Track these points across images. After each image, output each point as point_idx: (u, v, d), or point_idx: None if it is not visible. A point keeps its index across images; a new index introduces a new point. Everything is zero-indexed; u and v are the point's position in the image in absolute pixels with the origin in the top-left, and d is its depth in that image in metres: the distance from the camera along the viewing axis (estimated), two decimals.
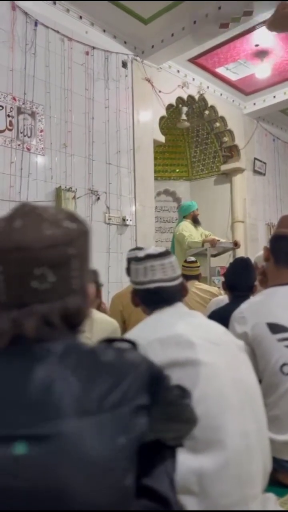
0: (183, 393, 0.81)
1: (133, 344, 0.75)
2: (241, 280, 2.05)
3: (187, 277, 3.16)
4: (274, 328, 1.30)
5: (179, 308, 1.21)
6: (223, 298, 2.50)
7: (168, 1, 3.82)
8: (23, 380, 0.59)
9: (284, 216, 1.58)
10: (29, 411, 0.57)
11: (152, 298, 1.23)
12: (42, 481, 0.55)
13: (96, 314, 1.84)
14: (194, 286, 3.12)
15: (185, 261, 3.29)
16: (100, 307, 2.20)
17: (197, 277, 3.22)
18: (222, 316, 1.58)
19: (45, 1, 3.68)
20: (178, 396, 0.76)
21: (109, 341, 0.73)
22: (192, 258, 3.32)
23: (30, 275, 0.62)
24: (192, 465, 0.97)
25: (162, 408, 0.68)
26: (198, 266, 3.26)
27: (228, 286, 2.13)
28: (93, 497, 0.56)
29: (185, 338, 1.07)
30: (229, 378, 1.05)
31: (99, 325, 1.78)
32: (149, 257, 1.22)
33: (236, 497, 1.01)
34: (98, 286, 1.93)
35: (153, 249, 1.25)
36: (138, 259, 1.25)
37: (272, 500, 1.19)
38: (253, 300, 1.50)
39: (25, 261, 0.62)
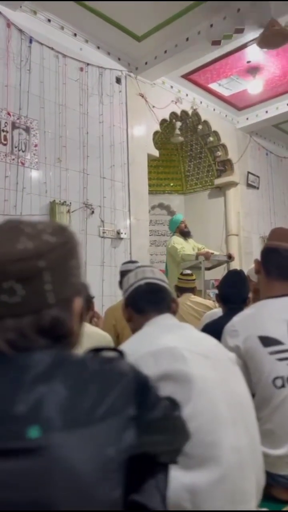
0: (173, 404, 0.80)
1: (120, 353, 0.74)
2: (234, 293, 2.05)
3: (182, 290, 3.16)
4: (266, 341, 1.30)
5: (169, 319, 1.21)
6: (217, 311, 2.50)
7: None
8: (8, 394, 0.58)
9: (275, 229, 1.59)
10: (16, 425, 0.56)
11: (142, 297, 1.25)
12: (28, 494, 0.54)
13: (86, 328, 1.83)
14: (189, 300, 3.12)
15: (181, 274, 3.30)
16: (92, 320, 2.19)
17: (192, 290, 3.21)
18: (215, 329, 1.57)
19: (40, 19, 3.74)
20: (167, 408, 0.75)
21: (97, 350, 0.72)
22: (188, 271, 3.33)
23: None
24: (184, 481, 0.95)
25: (150, 419, 0.67)
26: (194, 279, 3.26)
27: (222, 298, 2.13)
28: (80, 510, 0.55)
29: (177, 351, 1.06)
30: (221, 393, 1.04)
31: (89, 339, 1.77)
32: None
33: None
34: (89, 299, 1.92)
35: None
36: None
37: None
38: (244, 313, 1.49)
39: None
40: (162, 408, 0.72)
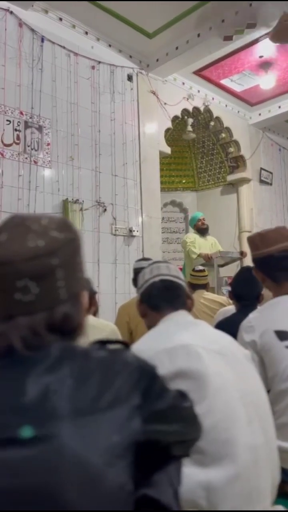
0: (181, 395, 0.80)
1: (125, 345, 0.75)
2: (247, 290, 2.04)
3: (195, 286, 3.15)
4: (282, 335, 1.31)
5: (184, 316, 1.21)
6: (231, 308, 2.48)
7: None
8: (18, 387, 0.60)
9: (253, 238, 1.57)
10: (26, 414, 0.58)
11: (157, 294, 1.24)
12: (36, 483, 0.55)
13: (91, 320, 1.85)
14: (202, 297, 3.10)
15: (193, 270, 3.28)
16: (96, 314, 2.21)
17: (205, 287, 3.20)
18: (228, 326, 1.57)
19: (51, 18, 3.76)
20: (175, 398, 0.75)
21: (103, 342, 0.73)
22: (200, 267, 3.32)
23: (13, 288, 0.62)
24: (200, 479, 0.95)
25: (155, 408, 0.68)
26: (206, 275, 3.24)
27: (235, 295, 2.12)
28: (88, 497, 0.56)
29: (192, 348, 1.06)
30: (236, 390, 1.04)
31: (94, 330, 1.78)
32: (155, 262, 1.28)
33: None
34: (92, 294, 1.95)
35: (158, 256, 1.31)
36: (146, 266, 1.29)
37: None
38: (260, 309, 1.50)
39: (7, 275, 0.62)
40: (170, 398, 0.72)
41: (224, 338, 1.16)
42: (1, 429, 0.57)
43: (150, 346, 1.09)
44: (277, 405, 1.27)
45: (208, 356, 1.05)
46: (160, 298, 1.26)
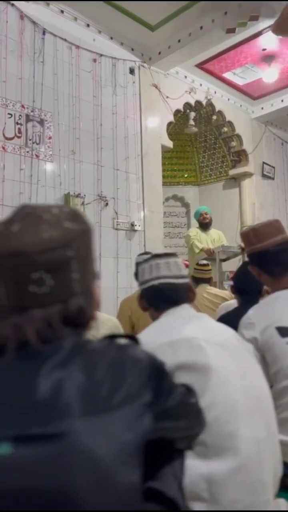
0: (188, 391, 0.80)
1: (135, 339, 0.74)
2: (249, 284, 2.03)
3: (198, 280, 3.14)
4: (284, 331, 1.29)
5: (186, 310, 1.20)
6: (232, 303, 2.48)
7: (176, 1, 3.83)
8: (30, 382, 0.59)
9: (247, 233, 1.54)
10: (38, 411, 0.57)
11: (157, 296, 1.23)
12: (49, 482, 0.54)
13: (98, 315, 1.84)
14: (205, 291, 3.10)
15: (197, 264, 3.28)
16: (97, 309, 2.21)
17: (208, 281, 3.20)
18: (230, 320, 1.56)
19: (53, 10, 3.73)
20: (183, 394, 0.75)
21: (112, 337, 0.72)
22: (204, 262, 3.31)
23: (28, 280, 0.61)
24: (202, 471, 0.95)
25: (166, 405, 0.67)
26: (210, 270, 3.24)
27: (237, 289, 2.11)
28: (101, 496, 0.55)
29: (195, 341, 1.06)
30: (239, 383, 1.04)
31: (97, 324, 1.78)
32: (155, 256, 1.24)
33: (247, 504, 0.99)
34: None
35: (160, 251, 1.27)
36: (144, 260, 1.26)
37: (283, 506, 1.17)
38: (259, 305, 1.48)
39: (22, 266, 0.61)
40: (178, 395, 0.72)
41: (227, 331, 1.16)
42: (13, 427, 0.56)
43: (152, 339, 1.08)
44: (280, 400, 1.27)
45: (210, 349, 1.05)
46: (160, 300, 1.23)
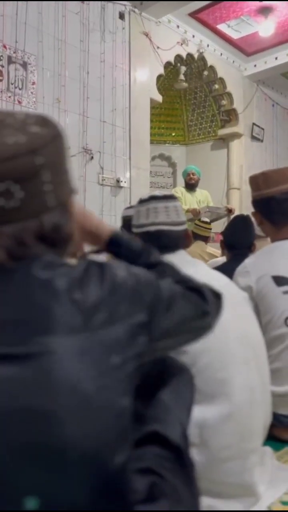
0: (183, 279, 0.74)
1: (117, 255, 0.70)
2: (240, 239, 1.99)
3: (196, 236, 3.16)
4: (279, 280, 1.27)
5: (182, 256, 1.15)
6: (220, 260, 2.45)
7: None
8: (5, 300, 0.54)
9: (256, 178, 1.49)
10: (15, 329, 0.52)
11: (152, 242, 1.15)
12: (25, 401, 0.50)
13: None
14: (200, 249, 3.09)
15: (199, 220, 3.32)
16: None
17: (206, 239, 3.21)
18: None
19: None
20: (186, 308, 0.68)
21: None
22: (207, 219, 3.32)
23: None
24: (194, 416, 0.93)
25: (164, 325, 0.63)
26: (210, 228, 3.27)
27: (227, 244, 2.07)
28: (84, 418, 0.52)
29: None
30: (234, 330, 1.01)
31: None
32: (153, 198, 1.15)
33: (235, 450, 0.98)
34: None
35: (158, 192, 1.18)
36: (141, 201, 1.18)
37: (268, 454, 1.18)
38: (257, 254, 1.46)
39: None
40: (179, 309, 0.66)
41: (223, 278, 1.11)
42: None
43: None
44: (271, 350, 1.26)
45: None
46: (154, 246, 1.17)
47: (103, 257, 0.79)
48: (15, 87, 3.28)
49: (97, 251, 0.78)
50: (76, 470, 0.51)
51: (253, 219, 2.06)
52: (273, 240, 1.45)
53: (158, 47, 4.52)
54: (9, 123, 0.57)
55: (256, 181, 1.47)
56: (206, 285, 0.74)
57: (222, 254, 2.36)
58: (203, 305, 0.71)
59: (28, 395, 0.50)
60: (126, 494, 0.56)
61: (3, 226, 0.55)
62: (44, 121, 0.61)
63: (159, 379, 0.78)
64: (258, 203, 1.46)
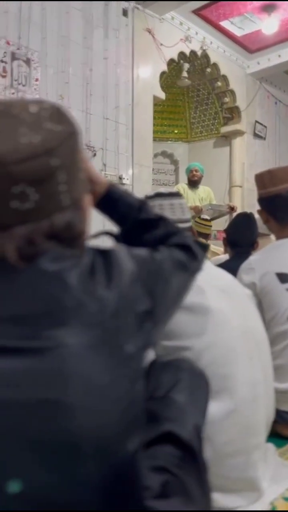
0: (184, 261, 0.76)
1: (115, 237, 0.70)
2: (243, 236, 2.00)
3: (197, 234, 3.17)
4: (283, 278, 1.27)
5: None
6: (222, 257, 2.45)
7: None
8: (15, 295, 0.54)
9: (262, 176, 1.50)
10: (27, 323, 0.53)
11: None
12: (41, 395, 0.51)
13: None
14: None
15: (199, 217, 3.32)
16: None
17: (206, 236, 3.23)
18: None
19: None
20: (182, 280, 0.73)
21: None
22: (207, 217, 3.34)
23: (8, 195, 0.53)
24: None
25: (167, 307, 0.65)
26: (210, 226, 3.29)
27: (230, 242, 2.08)
28: (99, 409, 0.52)
29: (194, 283, 1.01)
30: (238, 327, 1.02)
31: None
32: (158, 195, 1.16)
33: (239, 445, 0.99)
34: None
35: (163, 189, 1.18)
36: (147, 197, 1.18)
37: (271, 450, 1.19)
38: (262, 251, 1.47)
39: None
40: (176, 282, 0.69)
41: (226, 276, 1.12)
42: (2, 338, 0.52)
43: None
44: (273, 347, 1.26)
45: (210, 291, 1.01)
46: None
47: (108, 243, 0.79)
48: (19, 84, 3.28)
49: (96, 235, 0.78)
50: (90, 460, 0.51)
51: (258, 217, 2.07)
52: (278, 238, 1.46)
53: (161, 44, 4.51)
54: (23, 118, 0.55)
55: (262, 179, 1.47)
56: (192, 238, 0.79)
57: (225, 252, 2.37)
58: (194, 265, 0.77)
59: (42, 388, 0.51)
60: (139, 479, 0.57)
61: (17, 228, 0.54)
62: (59, 116, 0.59)
63: (176, 382, 0.79)
64: (264, 201, 1.47)
